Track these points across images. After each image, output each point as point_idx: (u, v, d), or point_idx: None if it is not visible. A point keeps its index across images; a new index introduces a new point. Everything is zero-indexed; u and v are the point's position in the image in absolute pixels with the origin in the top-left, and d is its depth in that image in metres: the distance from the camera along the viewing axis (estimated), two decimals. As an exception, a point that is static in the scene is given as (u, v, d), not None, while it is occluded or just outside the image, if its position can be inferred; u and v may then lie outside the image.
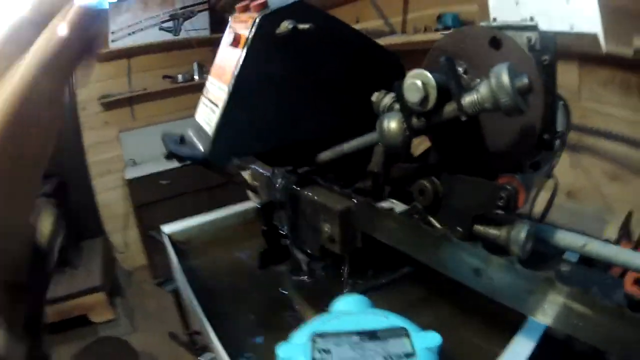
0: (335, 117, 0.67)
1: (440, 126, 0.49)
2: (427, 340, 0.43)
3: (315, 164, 0.67)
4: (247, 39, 0.57)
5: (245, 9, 0.61)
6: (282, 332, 0.49)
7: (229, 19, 0.65)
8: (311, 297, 0.71)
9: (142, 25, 2.93)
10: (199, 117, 0.65)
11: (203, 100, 0.65)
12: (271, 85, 0.61)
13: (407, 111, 0.49)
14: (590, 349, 0.42)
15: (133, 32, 2.91)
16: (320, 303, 0.64)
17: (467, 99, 0.45)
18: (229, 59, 0.60)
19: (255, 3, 0.58)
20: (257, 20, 0.56)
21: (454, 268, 0.49)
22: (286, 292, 0.72)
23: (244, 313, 0.70)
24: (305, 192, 0.63)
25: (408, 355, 0.40)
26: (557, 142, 0.63)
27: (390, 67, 0.71)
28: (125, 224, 3.11)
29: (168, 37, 3.03)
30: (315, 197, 0.62)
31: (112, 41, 2.84)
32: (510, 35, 0.52)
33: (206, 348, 0.72)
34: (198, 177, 2.63)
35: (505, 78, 0.41)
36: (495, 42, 0.52)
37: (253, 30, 0.56)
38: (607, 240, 0.71)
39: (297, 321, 0.64)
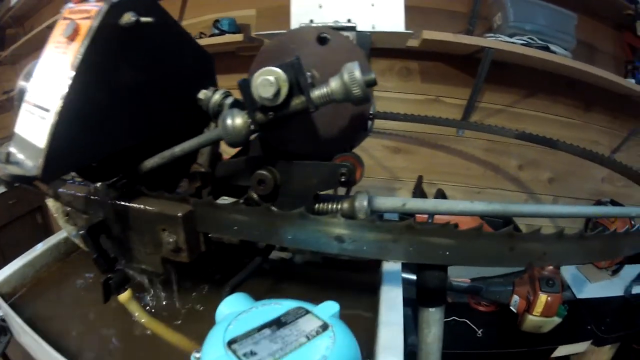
0: (163, 117, 0.65)
1: (282, 120, 0.53)
2: (327, 310, 0.47)
3: (135, 174, 0.64)
4: (91, 28, 0.50)
5: None
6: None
7: (62, 11, 0.56)
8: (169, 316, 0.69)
9: None
10: (21, 129, 0.53)
11: (26, 107, 0.54)
12: (109, 83, 0.54)
13: (252, 106, 0.52)
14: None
15: None
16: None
17: (317, 92, 0.51)
18: (62, 54, 0.52)
19: None
20: (105, 9, 0.51)
21: (315, 242, 0.54)
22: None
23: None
24: (135, 205, 0.60)
25: (323, 327, 0.44)
26: (370, 123, 0.75)
27: (205, 66, 0.71)
28: None
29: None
30: (149, 208, 0.60)
31: None
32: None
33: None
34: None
35: (358, 73, 0.48)
36: (322, 39, 0.59)
37: (98, 18, 0.50)
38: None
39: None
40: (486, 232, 0.50)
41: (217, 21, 1.86)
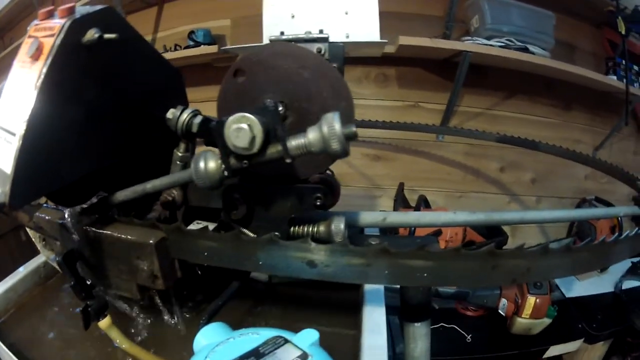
0: (133, 136, 0.65)
1: (257, 166, 0.52)
2: (307, 339, 0.48)
3: (107, 200, 0.63)
4: (53, 46, 0.49)
5: (49, 14, 0.54)
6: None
7: (28, 28, 0.54)
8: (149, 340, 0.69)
9: None
10: None
11: None
12: (74, 103, 0.54)
13: (225, 152, 0.50)
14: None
15: None
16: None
17: (294, 143, 0.49)
18: (26, 73, 0.50)
19: (61, 8, 0.52)
20: (67, 26, 0.50)
21: (286, 267, 0.53)
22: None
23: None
24: (108, 232, 0.59)
25: (302, 357, 0.44)
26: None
27: (174, 82, 0.71)
28: None
29: None
30: (121, 235, 0.59)
31: None
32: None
33: None
34: None
35: (338, 126, 0.46)
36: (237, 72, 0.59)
37: (61, 36, 0.49)
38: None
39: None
40: (465, 252, 0.49)
41: (192, 32, 1.86)
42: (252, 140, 0.48)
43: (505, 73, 1.81)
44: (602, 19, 1.96)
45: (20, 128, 0.49)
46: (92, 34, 0.52)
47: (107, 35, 0.52)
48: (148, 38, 2.10)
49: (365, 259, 0.50)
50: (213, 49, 1.75)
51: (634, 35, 1.93)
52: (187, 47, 1.85)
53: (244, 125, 0.47)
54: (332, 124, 0.46)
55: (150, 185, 0.60)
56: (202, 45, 1.83)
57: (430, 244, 0.60)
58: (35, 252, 0.85)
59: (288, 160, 0.49)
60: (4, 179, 0.50)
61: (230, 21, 1.94)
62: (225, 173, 0.52)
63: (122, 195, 0.62)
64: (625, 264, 1.69)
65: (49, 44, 0.51)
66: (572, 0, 1.86)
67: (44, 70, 0.50)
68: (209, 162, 0.52)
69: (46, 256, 0.80)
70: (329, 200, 0.60)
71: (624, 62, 1.87)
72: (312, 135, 0.48)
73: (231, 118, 0.48)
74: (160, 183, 0.60)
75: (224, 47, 1.61)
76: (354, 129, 0.47)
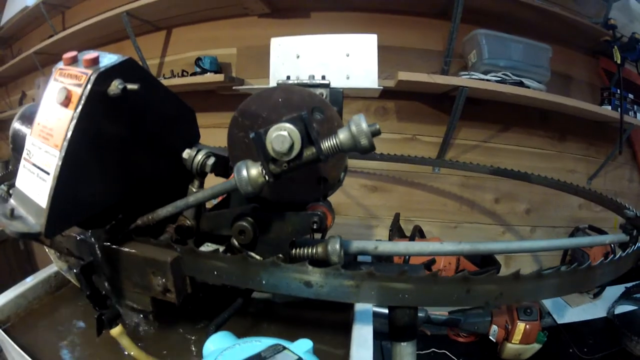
0: (152, 168, 0.72)
1: (295, 169, 0.58)
2: (303, 347, 0.56)
3: (126, 220, 0.70)
4: (81, 98, 0.55)
5: (73, 60, 0.59)
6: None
7: (53, 70, 0.60)
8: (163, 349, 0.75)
9: None
10: (22, 185, 0.60)
11: (25, 165, 0.59)
12: (104, 147, 0.61)
13: (265, 159, 0.57)
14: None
15: None
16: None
17: (327, 144, 0.56)
18: (57, 118, 0.57)
19: (86, 57, 0.57)
20: (93, 78, 0.55)
21: (286, 286, 0.60)
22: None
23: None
24: (126, 249, 0.66)
25: None
26: (343, 174, 0.82)
27: (187, 118, 0.78)
28: None
29: None
30: (139, 253, 0.65)
31: None
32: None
33: None
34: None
35: (365, 125, 0.54)
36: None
37: (88, 88, 0.55)
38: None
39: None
40: (441, 278, 0.56)
41: (199, 59, 1.96)
42: (291, 144, 0.54)
43: (501, 106, 1.88)
44: (598, 48, 2.04)
45: (54, 169, 0.57)
46: (116, 85, 0.57)
47: (130, 86, 0.58)
48: (157, 61, 2.21)
49: (354, 280, 0.58)
50: (219, 77, 1.84)
51: (630, 63, 2.00)
52: (194, 73, 1.95)
53: (284, 132, 0.54)
54: (359, 123, 0.54)
55: (193, 198, 0.67)
56: (208, 73, 1.92)
57: (414, 270, 0.69)
58: (32, 261, 0.91)
59: (323, 160, 0.56)
60: (38, 212, 0.58)
61: (236, 50, 2.04)
62: (266, 178, 0.57)
63: (163, 212, 0.69)
64: (619, 290, 1.73)
65: (76, 94, 0.57)
66: (569, 30, 1.93)
67: (74, 121, 0.56)
68: (250, 170, 0.58)
69: (59, 267, 0.85)
70: (325, 225, 0.69)
71: (619, 91, 1.91)
72: (342, 135, 0.56)
73: (273, 127, 0.55)
74: (203, 195, 0.67)
75: (235, 87, 1.69)
76: (377, 126, 0.54)
